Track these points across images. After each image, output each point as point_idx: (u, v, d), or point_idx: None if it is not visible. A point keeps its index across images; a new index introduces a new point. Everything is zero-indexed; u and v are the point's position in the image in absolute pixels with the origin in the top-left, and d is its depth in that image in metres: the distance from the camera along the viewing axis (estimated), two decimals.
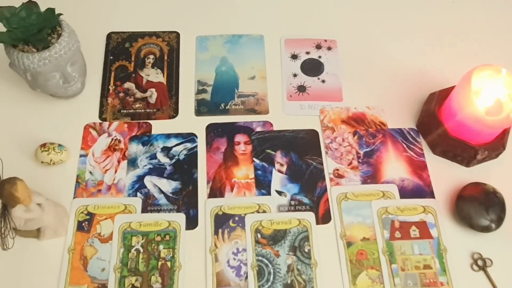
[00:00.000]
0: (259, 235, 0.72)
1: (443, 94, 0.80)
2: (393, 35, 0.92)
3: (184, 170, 0.77)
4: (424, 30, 0.93)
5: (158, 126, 0.81)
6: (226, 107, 0.84)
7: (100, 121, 0.81)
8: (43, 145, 0.75)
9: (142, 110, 0.83)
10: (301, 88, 0.86)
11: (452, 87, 0.79)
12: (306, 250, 0.71)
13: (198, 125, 0.82)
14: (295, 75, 0.87)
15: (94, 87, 0.84)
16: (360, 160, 0.79)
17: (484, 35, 0.93)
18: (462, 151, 0.77)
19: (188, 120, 0.82)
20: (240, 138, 0.81)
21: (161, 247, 0.71)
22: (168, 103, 0.84)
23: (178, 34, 0.91)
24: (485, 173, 0.79)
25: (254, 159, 0.79)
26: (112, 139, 0.80)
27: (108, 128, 0.81)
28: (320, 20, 0.94)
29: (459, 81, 0.75)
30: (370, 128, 0.82)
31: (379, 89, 0.86)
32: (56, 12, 0.74)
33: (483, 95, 0.74)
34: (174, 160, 0.78)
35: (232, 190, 0.76)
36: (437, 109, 0.79)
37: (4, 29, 0.72)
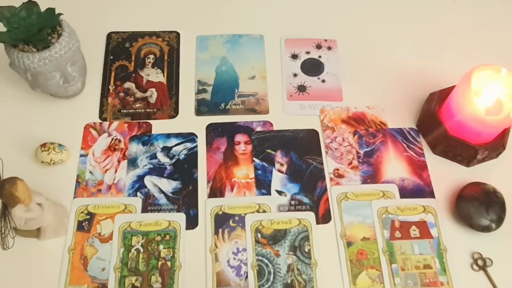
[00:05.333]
0: (259, 235, 0.72)
1: (443, 94, 0.80)
2: (393, 35, 0.92)
3: (184, 170, 0.77)
4: (424, 30, 0.93)
5: (158, 126, 0.81)
6: (226, 107, 0.84)
7: (100, 121, 0.81)
8: (43, 145, 0.75)
9: (142, 110, 0.83)
10: (301, 88, 0.86)
11: (452, 87, 0.79)
12: (306, 250, 0.71)
13: (198, 125, 0.82)
14: (295, 75, 0.87)
15: (94, 87, 0.84)
16: (360, 160, 0.79)
17: (484, 35, 0.93)
18: (462, 151, 0.77)
19: (188, 120, 0.82)
20: (240, 138, 0.81)
21: (161, 246, 0.71)
22: (168, 103, 0.84)
23: (178, 34, 0.91)
24: (485, 173, 0.79)
25: (254, 159, 0.79)
26: (112, 139, 0.80)
27: (108, 128, 0.81)
28: (320, 20, 0.94)
29: (459, 81, 0.75)
30: (370, 128, 0.82)
31: (379, 89, 0.86)
32: (56, 12, 0.74)
33: (483, 95, 0.74)
34: (174, 160, 0.78)
35: (232, 190, 0.76)
36: (437, 109, 0.79)
37: (4, 29, 0.72)
